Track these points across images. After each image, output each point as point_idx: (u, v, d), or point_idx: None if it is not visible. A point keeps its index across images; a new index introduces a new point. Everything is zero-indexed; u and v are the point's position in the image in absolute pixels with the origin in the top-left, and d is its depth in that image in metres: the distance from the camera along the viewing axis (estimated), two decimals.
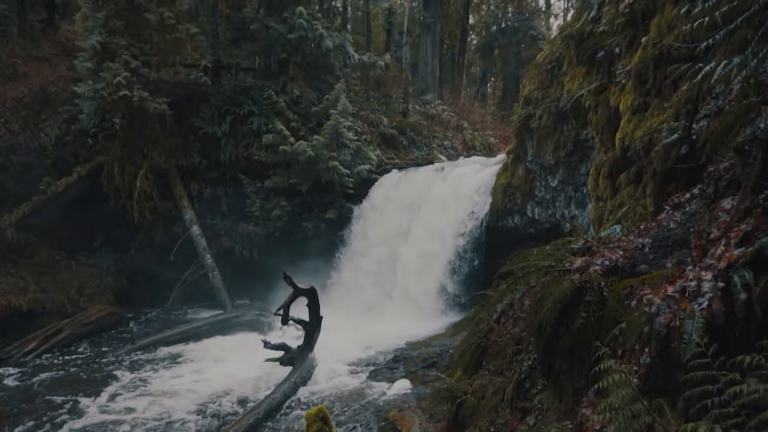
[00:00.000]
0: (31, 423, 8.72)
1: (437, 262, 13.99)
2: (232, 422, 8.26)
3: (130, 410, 9.09)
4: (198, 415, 8.88)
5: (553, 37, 19.54)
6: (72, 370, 11.21)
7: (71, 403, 9.46)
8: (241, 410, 8.90)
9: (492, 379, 5.60)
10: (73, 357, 11.98)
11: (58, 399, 9.65)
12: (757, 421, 2.54)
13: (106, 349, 12.51)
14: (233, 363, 11.07)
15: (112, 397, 9.65)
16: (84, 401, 9.50)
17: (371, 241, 15.55)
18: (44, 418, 8.87)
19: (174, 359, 11.72)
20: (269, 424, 8.43)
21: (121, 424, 8.62)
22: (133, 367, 11.20)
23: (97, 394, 9.79)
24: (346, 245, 16.07)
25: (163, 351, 12.21)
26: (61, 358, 11.93)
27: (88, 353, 12.26)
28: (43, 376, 10.78)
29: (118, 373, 10.84)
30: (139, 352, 12.11)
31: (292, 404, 9.05)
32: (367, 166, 16.18)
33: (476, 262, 13.40)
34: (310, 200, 16.09)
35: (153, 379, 10.47)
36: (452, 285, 13.68)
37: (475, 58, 33.82)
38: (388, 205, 15.72)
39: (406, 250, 14.62)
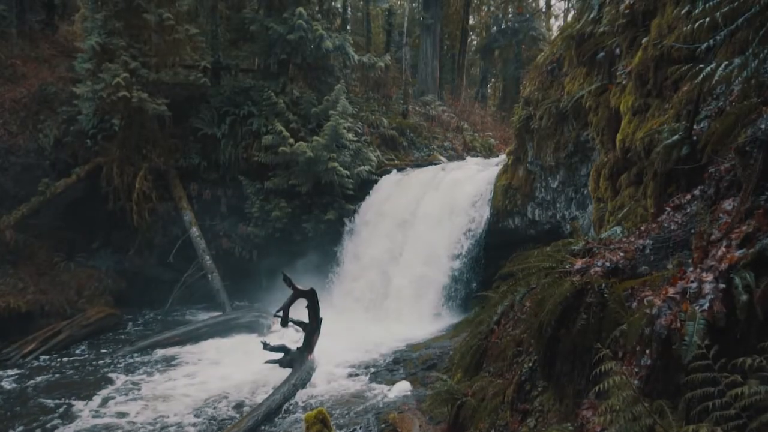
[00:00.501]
0: (21, 428, 8.62)
1: (431, 288, 13.36)
2: (232, 425, 8.22)
3: (123, 414, 8.96)
4: (194, 418, 8.79)
5: (553, 37, 19.57)
6: (69, 372, 11.14)
7: (64, 406, 9.36)
8: (237, 414, 8.80)
9: (492, 381, 5.58)
10: (71, 359, 11.93)
11: (52, 403, 9.54)
12: (758, 423, 2.52)
13: (105, 350, 12.46)
14: (231, 366, 10.99)
15: (106, 401, 9.53)
16: (77, 405, 9.38)
17: (363, 263, 14.90)
18: (34, 424, 8.74)
19: (171, 362, 11.65)
20: (268, 427, 8.37)
21: (114, 430, 8.50)
22: (130, 370, 11.11)
23: (90, 397, 9.68)
24: (339, 264, 15.62)
25: (161, 353, 12.14)
26: (58, 360, 11.88)
27: (86, 355, 12.21)
28: (39, 378, 10.72)
29: (114, 376, 10.75)
30: (136, 355, 12.05)
31: (291, 407, 8.99)
32: (366, 167, 16.16)
33: (474, 285, 12.77)
34: (309, 201, 16.07)
35: (149, 383, 10.37)
36: (448, 312, 13.26)
37: (476, 59, 33.80)
38: (380, 221, 15.18)
39: (398, 274, 13.93)
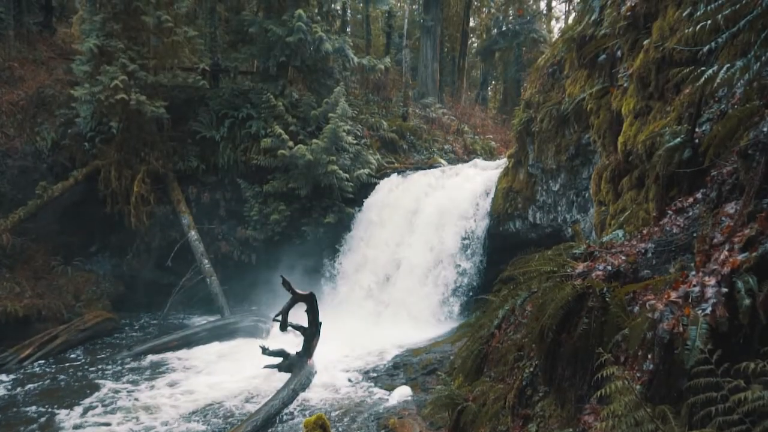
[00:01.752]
0: None
1: None
2: (230, 430, 8.16)
3: (106, 424, 8.75)
4: (191, 423, 8.70)
5: (554, 40, 19.57)
6: (61, 377, 10.99)
7: (47, 416, 9.13)
8: (227, 425, 8.65)
9: (493, 386, 5.54)
10: (66, 365, 11.78)
11: (36, 412, 9.32)
12: (762, 428, 2.49)
13: (101, 356, 12.34)
14: (228, 370, 10.91)
15: (91, 410, 9.30)
16: (61, 414, 9.15)
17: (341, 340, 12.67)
18: None
19: (167, 367, 11.52)
20: None
21: None
22: (125, 377, 10.94)
23: (72, 407, 9.42)
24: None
25: (157, 358, 12.04)
26: (54, 365, 11.73)
27: (82, 360, 12.08)
28: (31, 385, 10.53)
29: (105, 383, 10.57)
30: (133, 361, 11.91)
31: (286, 415, 8.88)
32: (366, 170, 16.14)
33: None
34: (309, 205, 16.04)
35: (143, 390, 10.19)
36: (449, 316, 12.99)
37: (476, 61, 33.81)
38: (360, 274, 14.64)
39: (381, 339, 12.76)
